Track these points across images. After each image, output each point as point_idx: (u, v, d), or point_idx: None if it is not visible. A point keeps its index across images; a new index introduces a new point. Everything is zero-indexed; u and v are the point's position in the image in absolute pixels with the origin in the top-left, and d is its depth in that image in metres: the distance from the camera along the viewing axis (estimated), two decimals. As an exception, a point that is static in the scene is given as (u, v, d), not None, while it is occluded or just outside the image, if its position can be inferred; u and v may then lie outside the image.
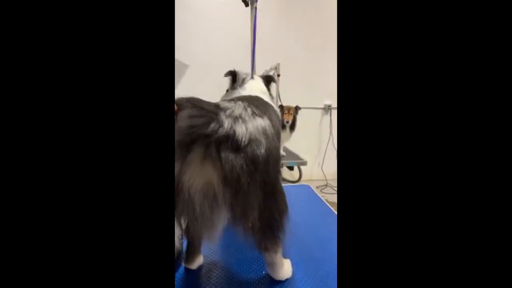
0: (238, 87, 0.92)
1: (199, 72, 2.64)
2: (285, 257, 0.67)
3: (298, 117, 1.82)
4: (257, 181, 0.51)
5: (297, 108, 1.80)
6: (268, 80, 1.00)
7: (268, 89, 0.98)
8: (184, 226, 0.56)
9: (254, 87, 0.92)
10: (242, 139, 0.49)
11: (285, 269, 0.66)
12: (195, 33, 2.81)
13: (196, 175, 0.49)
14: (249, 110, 0.54)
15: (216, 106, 0.53)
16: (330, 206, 1.12)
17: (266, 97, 0.88)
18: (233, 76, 0.91)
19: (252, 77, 0.95)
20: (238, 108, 0.53)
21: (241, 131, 0.49)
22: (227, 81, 0.99)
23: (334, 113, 3.22)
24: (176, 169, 0.48)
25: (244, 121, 0.51)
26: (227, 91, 0.96)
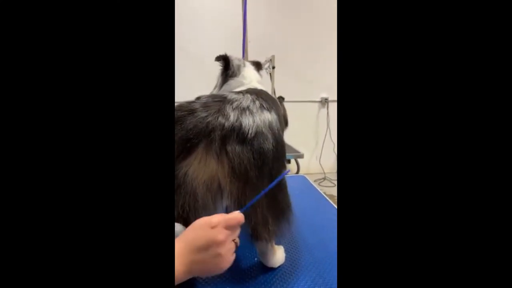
0: (237, 76, 0.85)
1: (193, 66, 2.62)
2: (277, 244, 0.66)
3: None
4: (264, 175, 0.51)
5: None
6: (258, 66, 0.97)
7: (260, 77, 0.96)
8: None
9: (253, 76, 0.88)
10: (248, 131, 0.49)
11: (277, 256, 0.65)
12: (188, 25, 2.79)
13: (199, 170, 0.49)
14: (257, 103, 0.54)
15: (223, 98, 0.53)
16: (325, 195, 1.12)
17: (263, 87, 0.86)
18: (226, 62, 0.85)
19: (244, 64, 0.93)
20: (246, 100, 0.53)
21: (248, 123, 0.49)
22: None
23: (331, 106, 3.22)
24: (181, 164, 0.48)
25: (251, 113, 0.51)
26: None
